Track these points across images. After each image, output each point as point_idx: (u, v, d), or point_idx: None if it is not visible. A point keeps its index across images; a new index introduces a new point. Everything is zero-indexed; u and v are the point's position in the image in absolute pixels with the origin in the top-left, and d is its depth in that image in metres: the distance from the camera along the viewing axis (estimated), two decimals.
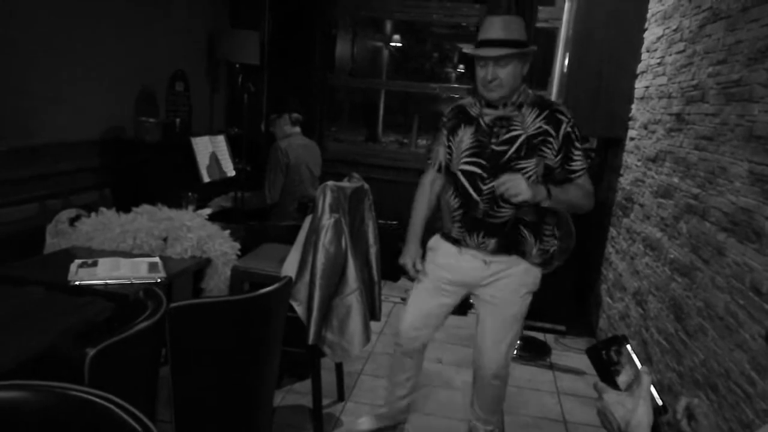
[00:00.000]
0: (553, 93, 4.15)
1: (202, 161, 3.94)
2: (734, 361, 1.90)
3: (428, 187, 2.35)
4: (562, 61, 4.09)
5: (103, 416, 1.07)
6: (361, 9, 5.15)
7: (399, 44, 5.72)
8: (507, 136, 2.09)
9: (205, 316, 1.72)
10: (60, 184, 3.10)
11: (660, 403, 1.05)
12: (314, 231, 2.25)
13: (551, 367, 3.45)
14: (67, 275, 2.07)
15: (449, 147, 2.23)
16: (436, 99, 5.28)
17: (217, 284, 2.57)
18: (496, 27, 2.04)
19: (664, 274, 2.70)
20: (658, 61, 3.18)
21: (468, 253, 2.22)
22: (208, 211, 3.54)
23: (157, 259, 2.32)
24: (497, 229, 2.14)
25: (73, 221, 2.68)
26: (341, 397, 2.88)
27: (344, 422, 2.69)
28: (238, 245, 2.64)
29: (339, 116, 5.87)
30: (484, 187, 2.13)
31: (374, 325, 3.71)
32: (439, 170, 2.31)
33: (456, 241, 2.24)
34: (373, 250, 2.59)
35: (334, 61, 5.33)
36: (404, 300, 4.29)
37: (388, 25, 5.72)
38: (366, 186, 2.58)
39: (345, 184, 2.41)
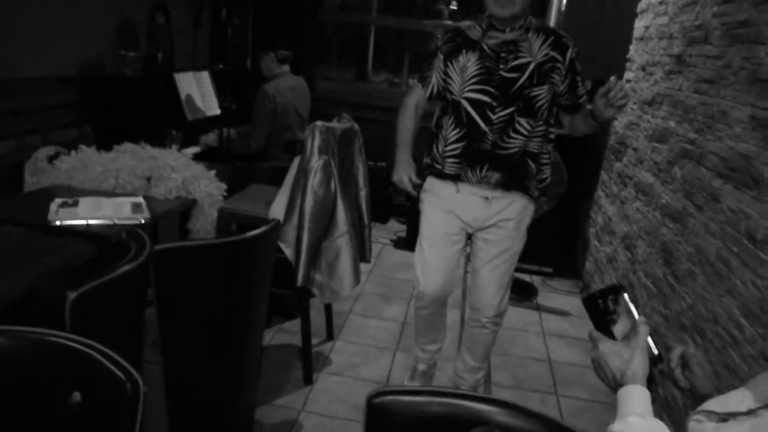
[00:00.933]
0: None
1: (186, 98, 3.81)
2: (723, 307, 1.91)
3: (413, 109, 2.17)
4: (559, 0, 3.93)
5: (85, 364, 1.04)
6: None
7: None
8: (516, 62, 2.00)
9: (190, 260, 1.68)
10: (38, 120, 2.98)
11: (656, 352, 1.04)
12: (303, 173, 2.19)
13: (537, 308, 3.49)
14: (47, 215, 2.00)
15: (446, 73, 2.08)
16: (429, 36, 5.11)
17: (203, 225, 2.52)
18: None
19: (654, 219, 2.69)
20: None
21: (466, 190, 2.13)
22: (193, 150, 3.45)
23: (140, 199, 2.25)
24: (503, 162, 2.06)
25: (52, 159, 2.58)
26: (330, 336, 2.90)
27: (333, 361, 2.71)
28: (224, 186, 2.57)
29: (328, 54, 5.68)
30: (494, 116, 2.03)
31: (363, 266, 3.71)
32: (429, 97, 2.16)
33: (453, 178, 2.13)
34: (362, 193, 2.54)
35: None
36: (393, 242, 4.29)
37: None
38: (356, 127, 2.50)
39: (334, 124, 2.33)
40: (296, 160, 2.27)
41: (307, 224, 2.18)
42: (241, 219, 2.51)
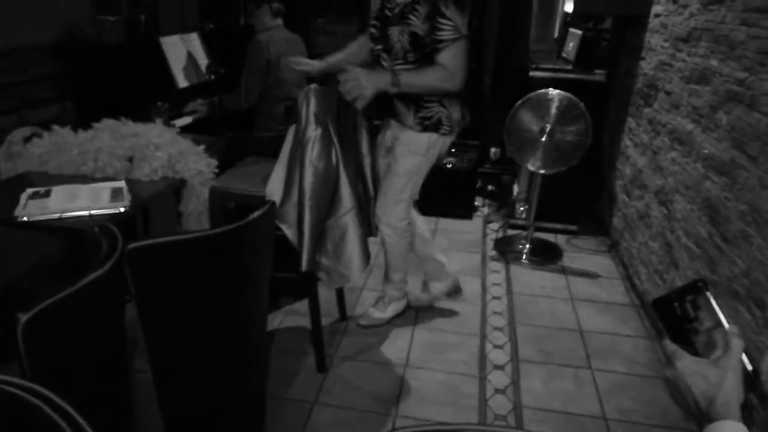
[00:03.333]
0: None
1: (175, 64, 3.52)
2: None
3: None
4: None
5: (31, 417, 0.83)
6: None
7: None
8: (395, 2, 2.16)
9: (171, 257, 1.46)
10: (12, 98, 2.74)
11: (750, 368, 0.80)
12: (299, 144, 1.93)
13: (564, 271, 3.26)
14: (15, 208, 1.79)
15: None
16: None
17: (195, 207, 2.29)
18: None
19: (695, 172, 2.41)
20: None
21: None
22: (184, 121, 3.19)
23: (122, 184, 2.02)
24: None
25: (27, 141, 2.35)
26: (343, 316, 2.70)
27: (347, 343, 2.52)
28: (215, 162, 2.33)
29: (327, 5, 5.30)
30: (374, 49, 2.26)
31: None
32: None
33: None
34: (367, 161, 2.29)
35: None
36: None
37: None
38: None
39: (332, 87, 2.06)
40: (291, 130, 2.02)
41: (308, 202, 1.95)
42: (236, 198, 2.27)
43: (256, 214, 1.53)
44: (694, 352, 0.82)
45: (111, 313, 1.38)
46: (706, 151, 2.33)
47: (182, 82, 3.49)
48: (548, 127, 3.08)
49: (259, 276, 1.68)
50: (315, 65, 2.50)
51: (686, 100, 2.59)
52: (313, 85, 1.93)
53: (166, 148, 2.19)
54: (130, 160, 2.17)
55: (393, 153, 2.35)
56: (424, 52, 2.12)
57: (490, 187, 4.23)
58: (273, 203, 1.68)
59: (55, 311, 1.13)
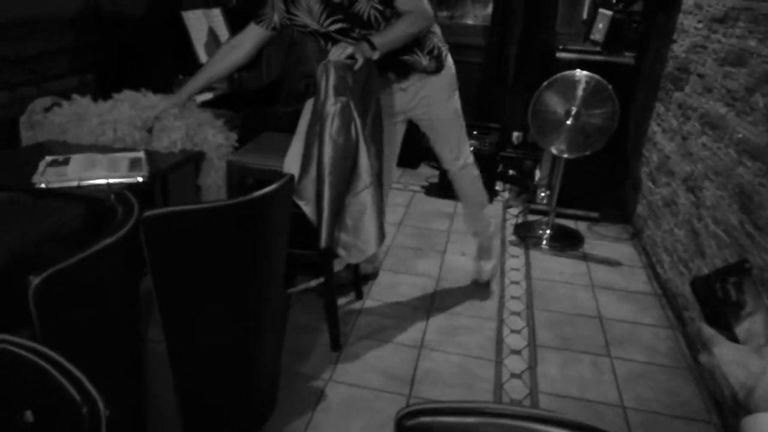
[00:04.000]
0: None
1: (197, 39, 3.49)
2: None
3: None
4: None
5: (38, 379, 0.81)
6: None
7: None
8: None
9: (187, 226, 1.44)
10: (33, 69, 2.73)
11: None
12: (318, 118, 1.89)
13: (584, 258, 3.20)
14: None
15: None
16: None
17: (214, 180, 2.28)
18: None
19: (727, 157, 2.33)
20: None
21: (391, 87, 2.35)
22: (205, 96, 3.16)
23: (140, 154, 2.01)
24: (383, 63, 2.13)
25: (47, 110, 2.35)
26: (359, 295, 2.68)
27: (363, 323, 2.50)
28: (234, 135, 2.30)
29: None
30: (354, 34, 2.15)
31: (395, 216, 3.46)
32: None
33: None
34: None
35: None
36: (425, 189, 4.00)
37: None
38: (376, 56, 2.16)
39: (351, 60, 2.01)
40: (308, 104, 1.98)
41: (327, 177, 1.91)
42: (253, 173, 2.25)
43: (273, 186, 1.51)
44: (733, 338, 0.77)
45: (125, 281, 1.36)
46: (740, 135, 2.24)
47: (204, 57, 3.46)
48: (574, 109, 3.01)
49: (275, 250, 1.66)
50: (171, 101, 2.23)
51: (720, 82, 2.50)
52: (333, 58, 1.88)
53: (185, 120, 2.17)
54: (150, 131, 2.16)
55: (428, 109, 2.37)
56: (393, 6, 2.07)
57: (511, 172, 4.15)
58: (291, 176, 1.65)
59: (67, 276, 1.12)
